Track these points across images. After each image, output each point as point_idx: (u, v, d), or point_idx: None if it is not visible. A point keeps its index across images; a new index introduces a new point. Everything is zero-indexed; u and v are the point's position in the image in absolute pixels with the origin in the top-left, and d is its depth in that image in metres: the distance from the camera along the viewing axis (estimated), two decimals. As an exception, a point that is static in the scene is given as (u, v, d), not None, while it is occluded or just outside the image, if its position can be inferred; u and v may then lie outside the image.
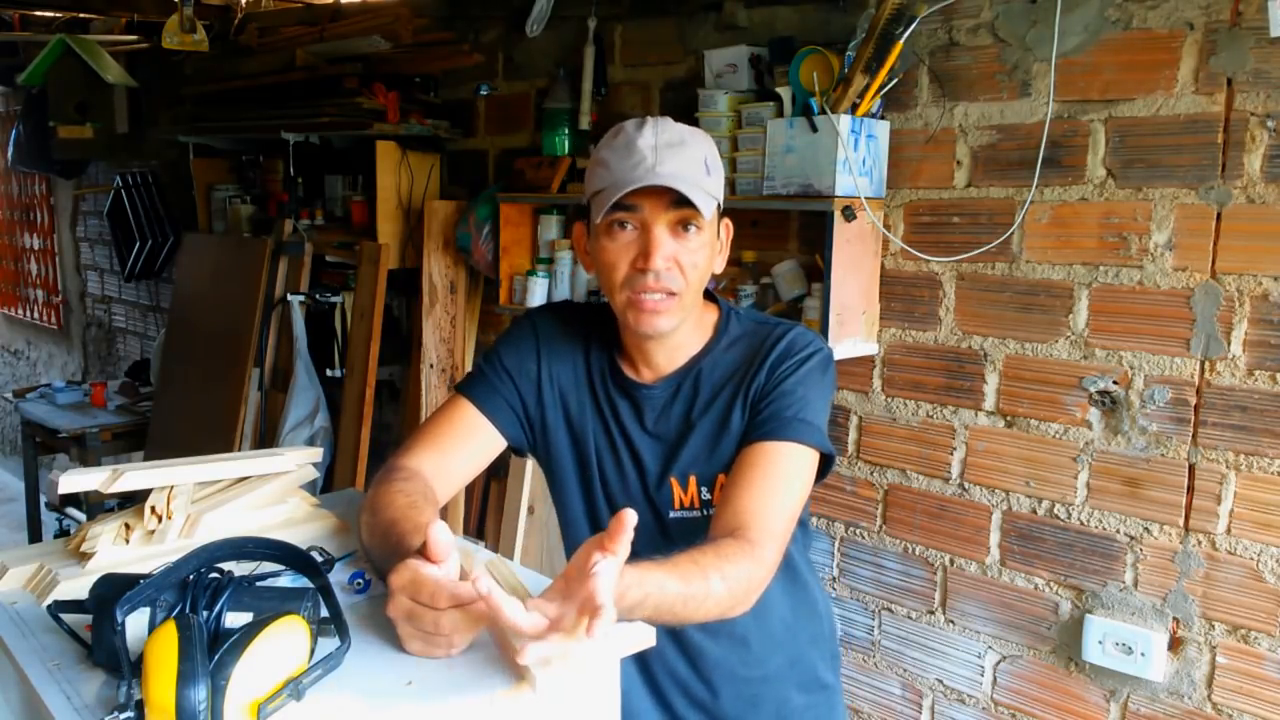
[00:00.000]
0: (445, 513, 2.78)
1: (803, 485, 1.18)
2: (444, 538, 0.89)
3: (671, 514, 1.26)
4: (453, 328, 2.92)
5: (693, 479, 1.25)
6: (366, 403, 2.98)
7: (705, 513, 1.25)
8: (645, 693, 1.32)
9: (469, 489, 2.84)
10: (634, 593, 0.91)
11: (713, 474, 1.24)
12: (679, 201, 1.15)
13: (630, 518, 0.84)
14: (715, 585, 1.00)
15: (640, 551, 0.89)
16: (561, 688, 0.88)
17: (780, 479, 1.16)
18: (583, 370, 1.31)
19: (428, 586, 0.86)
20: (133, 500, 1.18)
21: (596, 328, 1.31)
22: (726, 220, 1.28)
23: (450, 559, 0.90)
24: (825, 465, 1.21)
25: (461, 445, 1.26)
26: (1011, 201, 1.87)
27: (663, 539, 1.25)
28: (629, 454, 1.28)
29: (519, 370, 1.30)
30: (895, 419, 2.07)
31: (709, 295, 1.32)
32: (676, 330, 1.23)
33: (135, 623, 0.81)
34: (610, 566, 0.81)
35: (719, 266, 1.26)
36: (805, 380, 1.21)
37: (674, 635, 1.28)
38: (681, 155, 1.15)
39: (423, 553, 0.89)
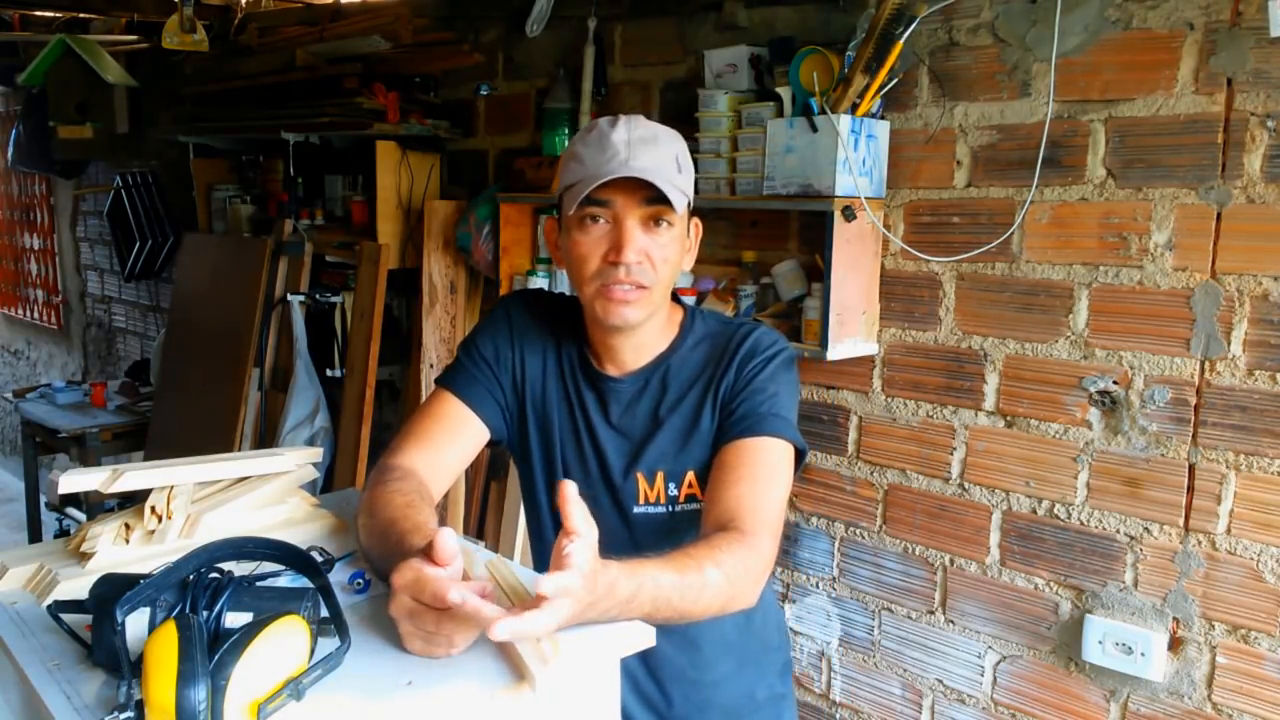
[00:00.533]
0: (445, 513, 2.79)
1: (785, 478, 1.20)
2: (450, 543, 0.89)
3: (635, 509, 1.27)
4: (453, 328, 2.92)
5: (660, 475, 1.26)
6: (366, 403, 2.98)
7: (670, 509, 1.26)
8: None
9: (469, 489, 2.84)
10: (624, 584, 0.91)
11: (681, 471, 1.26)
12: (651, 197, 1.16)
13: (569, 487, 0.86)
14: (711, 574, 1.00)
15: (604, 546, 0.90)
16: (561, 687, 0.88)
17: (765, 472, 1.17)
18: (553, 359, 1.32)
19: (429, 586, 0.86)
20: (133, 500, 1.18)
21: (568, 318, 1.32)
22: (696, 220, 1.29)
23: (455, 562, 0.90)
24: (798, 461, 1.23)
25: (450, 440, 1.27)
26: (1011, 201, 1.86)
27: (626, 533, 1.26)
28: (592, 446, 1.28)
29: (496, 359, 1.31)
30: (895, 419, 2.07)
31: (674, 297, 1.33)
32: (644, 326, 1.24)
33: (135, 623, 0.81)
34: (580, 544, 0.84)
35: (688, 264, 1.28)
36: (774, 378, 1.24)
37: None
38: (654, 151, 1.17)
39: (426, 553, 0.89)
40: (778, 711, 1.43)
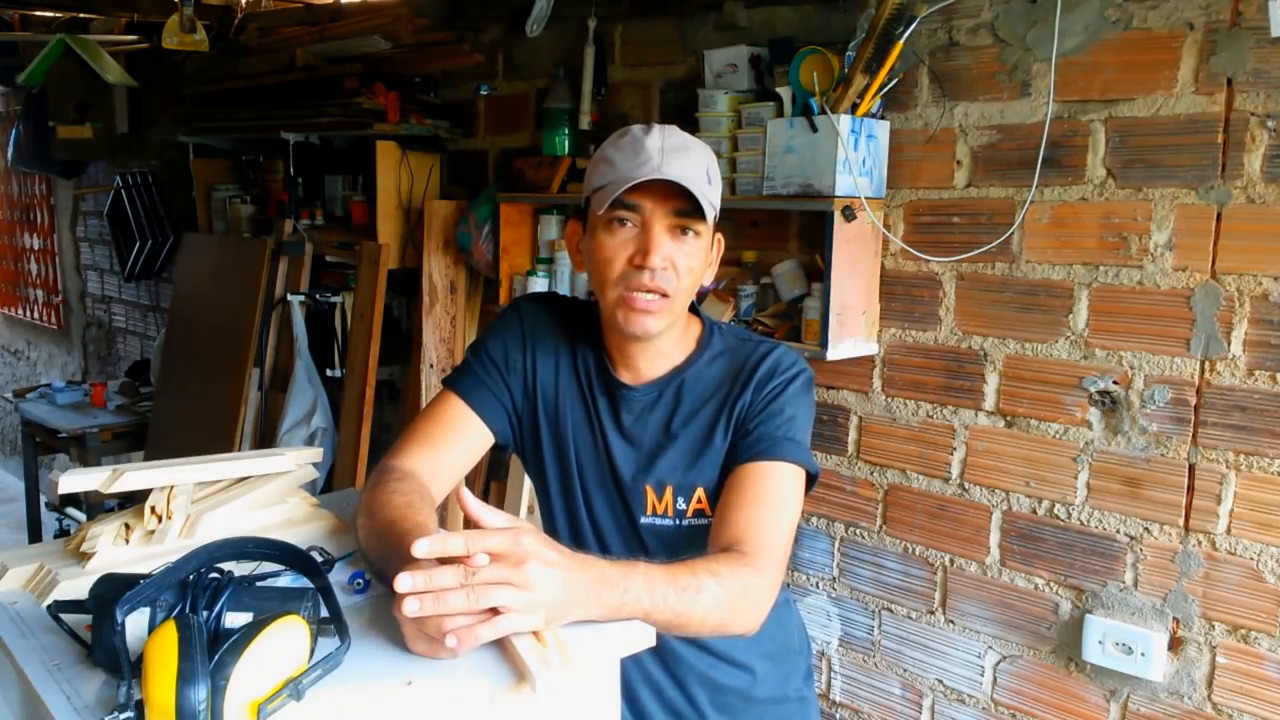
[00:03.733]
0: (446, 515, 2.78)
1: (795, 503, 1.19)
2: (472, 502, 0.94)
3: (643, 519, 1.26)
4: (453, 328, 2.92)
5: (669, 489, 1.25)
6: (366, 403, 2.98)
7: (679, 522, 1.26)
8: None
9: (469, 490, 2.84)
10: (613, 572, 0.93)
11: (690, 486, 1.25)
12: (681, 206, 1.16)
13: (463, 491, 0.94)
14: (708, 582, 1.00)
15: (615, 550, 0.92)
16: (562, 687, 0.88)
17: (774, 498, 1.17)
18: (567, 362, 1.31)
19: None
20: (133, 500, 1.18)
21: (583, 321, 1.32)
22: (720, 235, 1.28)
23: (487, 517, 0.93)
24: (809, 483, 1.23)
25: (453, 442, 1.26)
26: (1011, 201, 1.86)
27: (636, 542, 1.26)
28: (605, 451, 1.28)
29: (506, 362, 1.30)
30: (895, 419, 2.07)
31: (692, 309, 1.32)
32: (662, 335, 1.23)
33: (135, 623, 0.82)
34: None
35: (708, 279, 1.28)
36: (792, 401, 1.23)
37: None
38: (686, 160, 1.16)
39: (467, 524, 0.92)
40: (804, 715, 1.43)
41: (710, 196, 1.18)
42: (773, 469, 1.18)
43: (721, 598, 1.01)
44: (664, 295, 1.18)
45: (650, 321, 1.19)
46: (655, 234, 1.17)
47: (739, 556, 1.07)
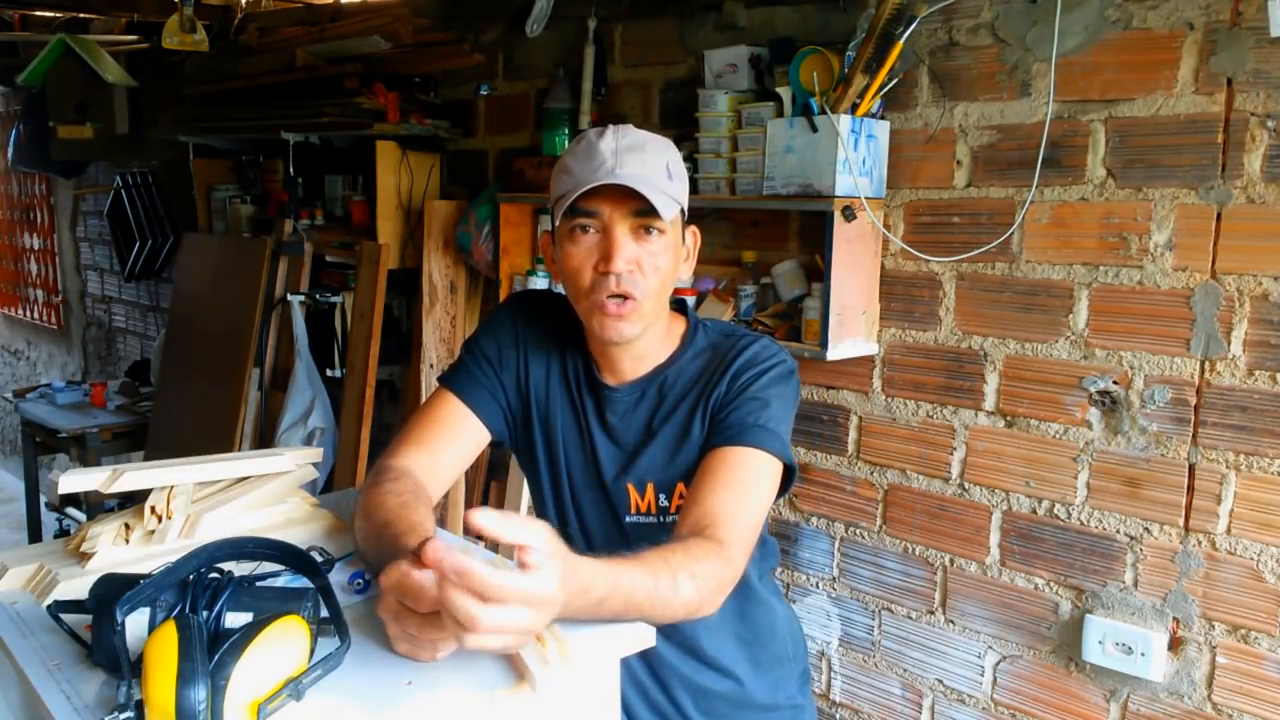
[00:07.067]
0: (445, 513, 2.79)
1: (767, 491, 1.17)
2: (438, 554, 0.86)
3: (628, 518, 1.27)
4: (453, 328, 2.92)
5: (650, 486, 1.25)
6: (366, 402, 2.99)
7: (661, 519, 1.26)
8: None
9: (469, 489, 2.84)
10: (599, 587, 0.90)
11: (671, 482, 1.25)
12: (640, 206, 1.15)
13: (479, 517, 0.80)
14: (684, 585, 0.99)
15: (601, 549, 0.90)
16: (561, 687, 0.88)
17: (745, 483, 1.15)
18: (557, 362, 1.31)
19: (412, 589, 0.85)
20: (133, 500, 1.18)
21: (574, 320, 1.31)
22: (693, 228, 1.28)
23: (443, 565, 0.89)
24: (787, 479, 1.21)
25: (449, 441, 1.26)
26: (1011, 201, 1.87)
27: (621, 540, 1.26)
28: (591, 452, 1.28)
29: (499, 359, 1.30)
30: (895, 419, 2.07)
31: (680, 308, 1.32)
32: (641, 337, 1.23)
33: (135, 623, 0.82)
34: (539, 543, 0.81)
35: (685, 274, 1.27)
36: (767, 389, 1.22)
37: None
38: (642, 159, 1.16)
39: (416, 554, 0.89)
40: None
41: (671, 191, 1.16)
42: (744, 454, 1.16)
43: (692, 599, 1.00)
44: (633, 298, 1.17)
45: (625, 326, 1.19)
46: (616, 238, 1.16)
47: (714, 546, 1.05)
